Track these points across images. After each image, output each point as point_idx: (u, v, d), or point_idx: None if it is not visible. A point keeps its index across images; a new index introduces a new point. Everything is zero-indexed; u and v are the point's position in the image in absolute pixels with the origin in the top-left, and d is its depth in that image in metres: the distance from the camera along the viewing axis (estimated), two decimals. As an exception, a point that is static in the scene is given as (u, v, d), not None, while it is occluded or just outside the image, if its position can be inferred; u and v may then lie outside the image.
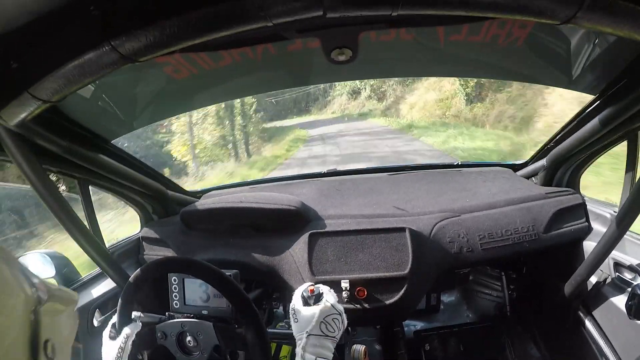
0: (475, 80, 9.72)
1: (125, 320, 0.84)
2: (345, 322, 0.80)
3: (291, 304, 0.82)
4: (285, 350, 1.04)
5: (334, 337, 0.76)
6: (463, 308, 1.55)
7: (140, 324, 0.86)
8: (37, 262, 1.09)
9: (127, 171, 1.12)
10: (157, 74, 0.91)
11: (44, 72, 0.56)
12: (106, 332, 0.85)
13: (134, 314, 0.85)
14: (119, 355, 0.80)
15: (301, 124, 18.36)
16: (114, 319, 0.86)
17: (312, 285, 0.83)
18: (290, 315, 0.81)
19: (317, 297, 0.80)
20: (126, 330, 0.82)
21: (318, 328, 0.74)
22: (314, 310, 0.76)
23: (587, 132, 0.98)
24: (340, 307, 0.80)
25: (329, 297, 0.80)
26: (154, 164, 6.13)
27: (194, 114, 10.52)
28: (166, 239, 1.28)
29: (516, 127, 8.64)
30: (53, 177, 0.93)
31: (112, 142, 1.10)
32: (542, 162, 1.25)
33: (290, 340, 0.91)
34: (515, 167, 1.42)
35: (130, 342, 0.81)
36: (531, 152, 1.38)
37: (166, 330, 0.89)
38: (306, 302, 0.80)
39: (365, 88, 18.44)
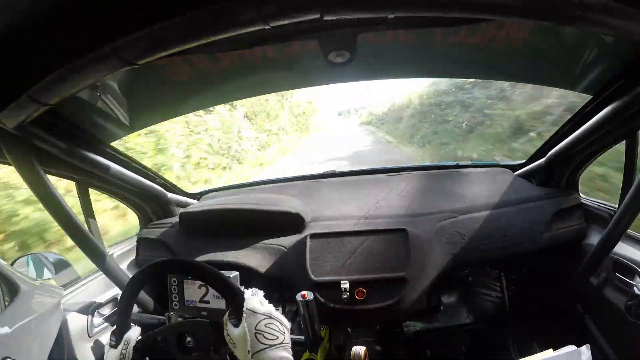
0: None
1: (126, 321, 0.84)
2: (284, 320, 0.72)
3: (224, 333, 0.74)
4: None
5: (280, 343, 0.67)
6: (463, 309, 1.54)
7: (140, 329, 0.84)
8: (37, 263, 1.10)
9: (126, 173, 1.12)
10: (155, 76, 0.91)
11: (43, 74, 0.56)
12: (106, 340, 0.83)
13: (134, 315, 0.85)
14: None
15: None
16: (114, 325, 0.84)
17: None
18: (229, 344, 0.72)
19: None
20: (127, 336, 0.80)
21: (257, 343, 0.67)
22: (242, 326, 0.69)
23: (586, 132, 0.98)
24: (267, 308, 0.71)
25: (250, 303, 0.71)
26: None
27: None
28: (165, 241, 1.28)
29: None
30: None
31: (111, 144, 1.10)
32: (541, 162, 1.25)
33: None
34: (514, 168, 1.41)
35: (131, 349, 0.79)
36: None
37: (165, 333, 0.89)
38: (235, 324, 0.72)
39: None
